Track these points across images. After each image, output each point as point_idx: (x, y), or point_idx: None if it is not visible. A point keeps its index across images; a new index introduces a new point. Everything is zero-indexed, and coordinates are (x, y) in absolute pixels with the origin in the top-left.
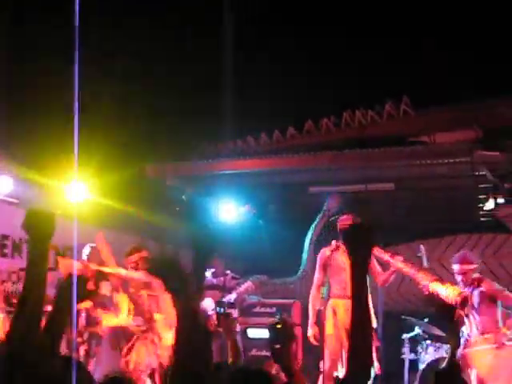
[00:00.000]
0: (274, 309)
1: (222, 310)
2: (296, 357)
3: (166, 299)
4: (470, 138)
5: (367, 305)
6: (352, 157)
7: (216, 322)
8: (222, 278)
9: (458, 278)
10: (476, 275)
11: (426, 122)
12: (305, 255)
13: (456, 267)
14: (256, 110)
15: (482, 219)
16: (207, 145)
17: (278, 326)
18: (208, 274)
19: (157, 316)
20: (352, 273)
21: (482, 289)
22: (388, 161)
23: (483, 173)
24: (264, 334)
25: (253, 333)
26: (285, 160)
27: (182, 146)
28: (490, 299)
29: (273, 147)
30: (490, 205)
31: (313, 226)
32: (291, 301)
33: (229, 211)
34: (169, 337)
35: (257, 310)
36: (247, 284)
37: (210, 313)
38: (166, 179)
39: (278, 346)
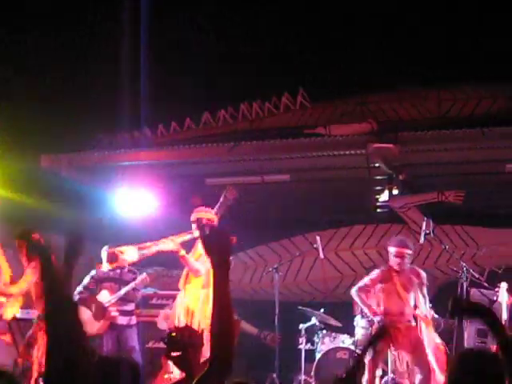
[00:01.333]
0: (171, 300)
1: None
2: (198, 363)
3: None
4: (365, 130)
5: (228, 305)
6: (248, 148)
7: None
8: (118, 271)
9: (395, 260)
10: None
11: (322, 114)
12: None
13: (393, 250)
14: (153, 101)
15: (377, 210)
16: (103, 135)
17: (173, 335)
18: (105, 266)
19: None
20: (213, 273)
21: None
22: (284, 152)
23: (378, 165)
24: (161, 325)
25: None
26: (181, 151)
27: (78, 137)
28: None
29: (170, 139)
30: (384, 196)
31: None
32: None
33: (126, 203)
34: None
35: (153, 301)
36: (142, 276)
37: (106, 305)
38: (60, 170)
39: (175, 354)
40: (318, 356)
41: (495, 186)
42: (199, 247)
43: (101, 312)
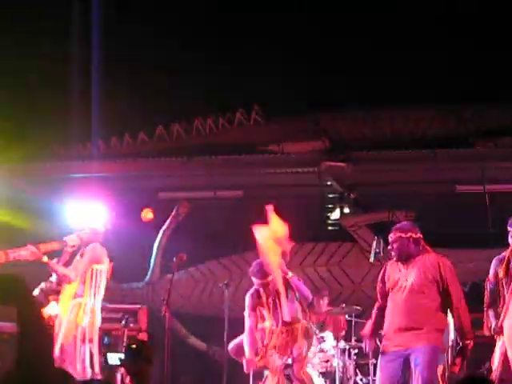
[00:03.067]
0: (121, 314)
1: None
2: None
3: None
4: (318, 148)
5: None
6: (201, 163)
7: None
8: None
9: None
10: None
11: (275, 131)
12: (153, 260)
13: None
14: (106, 113)
15: (328, 228)
16: (56, 147)
17: (133, 346)
18: (53, 279)
19: None
20: None
21: None
22: (236, 168)
23: (330, 183)
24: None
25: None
26: (134, 165)
27: (30, 148)
28: None
29: (123, 152)
30: (336, 214)
31: (161, 231)
32: (138, 306)
33: (77, 215)
34: None
35: (103, 315)
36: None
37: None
38: (12, 181)
39: (132, 367)
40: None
41: (446, 207)
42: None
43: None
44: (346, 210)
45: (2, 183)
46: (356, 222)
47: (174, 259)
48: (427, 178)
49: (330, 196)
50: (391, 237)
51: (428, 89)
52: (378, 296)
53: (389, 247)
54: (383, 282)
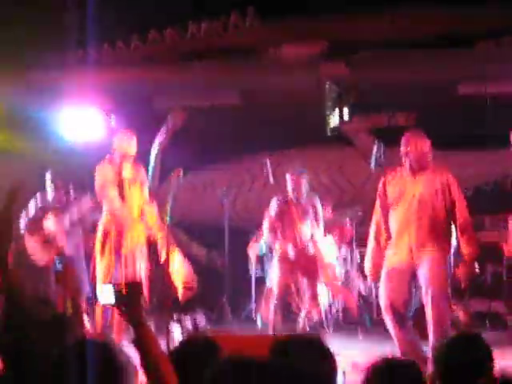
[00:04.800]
0: None
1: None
2: (142, 309)
3: None
4: (317, 51)
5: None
6: (198, 69)
7: None
8: (64, 198)
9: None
10: None
11: (272, 34)
12: (150, 171)
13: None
14: (99, 18)
15: (328, 134)
16: (50, 55)
17: (117, 289)
18: (49, 195)
19: None
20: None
21: None
22: (234, 74)
23: (329, 87)
24: None
25: None
26: (128, 71)
27: (22, 56)
28: None
29: (116, 58)
30: (335, 119)
31: (157, 141)
32: None
33: (72, 126)
34: None
35: None
36: (85, 200)
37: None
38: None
39: (123, 308)
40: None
41: (447, 109)
42: None
43: (49, 242)
44: (346, 114)
45: None
46: (356, 127)
47: (171, 175)
48: (428, 80)
49: (330, 100)
50: (408, 146)
51: None
52: (379, 210)
53: (403, 157)
54: (385, 195)
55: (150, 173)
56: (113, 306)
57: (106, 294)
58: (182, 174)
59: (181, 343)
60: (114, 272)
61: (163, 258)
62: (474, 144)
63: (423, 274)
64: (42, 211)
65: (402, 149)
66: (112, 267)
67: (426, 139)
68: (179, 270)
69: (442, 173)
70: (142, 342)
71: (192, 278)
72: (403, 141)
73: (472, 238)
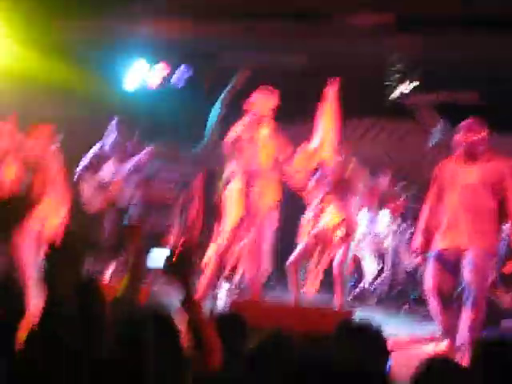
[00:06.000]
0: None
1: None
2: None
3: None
4: (384, 21)
5: None
6: (265, 29)
7: None
8: (126, 144)
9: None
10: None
11: (339, 1)
12: (209, 127)
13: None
14: None
15: (389, 105)
16: (116, 3)
17: (177, 251)
18: (110, 140)
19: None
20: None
21: None
22: (301, 36)
23: (395, 58)
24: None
25: None
26: (194, 26)
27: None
28: None
29: (183, 11)
30: (399, 91)
31: (220, 99)
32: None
33: (136, 76)
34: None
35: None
36: (148, 149)
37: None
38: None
39: (174, 276)
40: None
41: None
42: None
43: (102, 189)
44: (410, 88)
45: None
46: (420, 100)
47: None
48: (495, 58)
49: (394, 71)
50: (461, 137)
51: None
52: (432, 194)
53: (458, 145)
54: (439, 180)
55: (209, 128)
56: (162, 270)
57: (156, 257)
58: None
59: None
60: None
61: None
62: None
63: (466, 266)
64: (97, 159)
65: (458, 137)
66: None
67: (482, 129)
68: None
69: (499, 163)
70: (189, 308)
71: None
72: (459, 129)
73: None
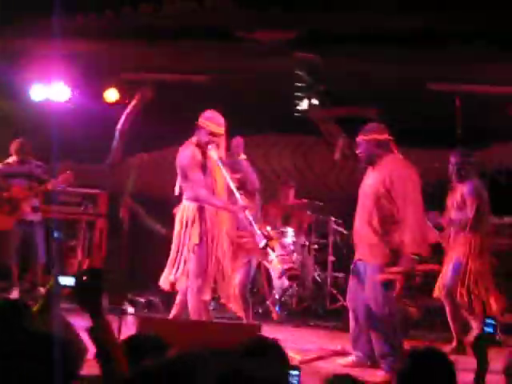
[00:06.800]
0: (80, 198)
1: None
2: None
3: None
4: (290, 37)
5: None
6: (169, 46)
7: None
8: (26, 165)
9: None
10: None
11: (246, 16)
12: (114, 143)
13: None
14: None
15: (295, 119)
16: (28, 19)
17: (84, 278)
18: (11, 160)
19: None
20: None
21: None
22: (208, 54)
23: (300, 73)
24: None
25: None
26: (99, 42)
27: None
28: None
29: (87, 29)
30: (304, 105)
31: (124, 114)
32: (97, 191)
33: (41, 93)
34: None
35: (62, 199)
36: (66, 175)
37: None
38: None
39: (83, 297)
40: None
41: (416, 104)
42: None
43: (12, 208)
44: (315, 102)
45: None
46: (324, 115)
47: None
48: (399, 75)
49: (299, 87)
50: (357, 140)
51: None
52: None
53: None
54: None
55: (114, 144)
56: (72, 291)
57: (67, 280)
58: (145, 157)
59: (130, 337)
60: None
61: None
62: (441, 141)
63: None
64: (4, 178)
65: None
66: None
67: (371, 130)
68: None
69: (391, 165)
70: (99, 332)
71: None
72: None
73: (414, 237)
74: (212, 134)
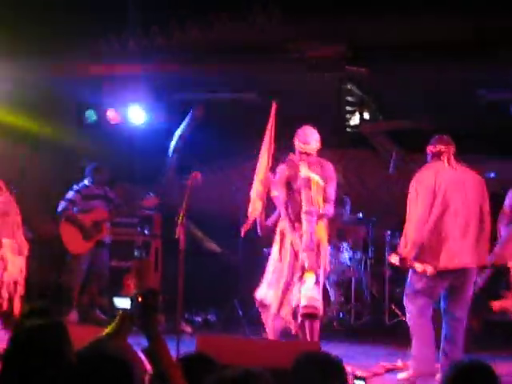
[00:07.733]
0: (137, 220)
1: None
2: (157, 320)
3: (17, 223)
4: (340, 52)
5: None
6: (219, 63)
7: None
8: (102, 189)
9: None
10: None
11: (296, 33)
12: (168, 163)
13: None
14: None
15: (346, 134)
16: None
17: (139, 299)
18: (87, 182)
19: (4, 241)
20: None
21: None
22: (257, 70)
23: (350, 88)
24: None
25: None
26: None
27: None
28: None
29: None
30: (355, 120)
31: (176, 134)
32: (152, 212)
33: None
34: (17, 262)
35: (118, 220)
36: (152, 199)
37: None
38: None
39: (140, 319)
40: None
41: (470, 115)
42: None
43: (94, 231)
44: (366, 117)
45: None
46: (376, 129)
47: (189, 179)
48: (451, 87)
49: (350, 101)
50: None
51: None
52: None
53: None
54: None
55: (167, 164)
56: (128, 313)
57: (122, 301)
58: (199, 176)
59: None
60: None
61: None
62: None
63: None
64: (84, 199)
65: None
66: None
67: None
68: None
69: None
70: (155, 353)
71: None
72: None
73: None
74: (299, 152)
